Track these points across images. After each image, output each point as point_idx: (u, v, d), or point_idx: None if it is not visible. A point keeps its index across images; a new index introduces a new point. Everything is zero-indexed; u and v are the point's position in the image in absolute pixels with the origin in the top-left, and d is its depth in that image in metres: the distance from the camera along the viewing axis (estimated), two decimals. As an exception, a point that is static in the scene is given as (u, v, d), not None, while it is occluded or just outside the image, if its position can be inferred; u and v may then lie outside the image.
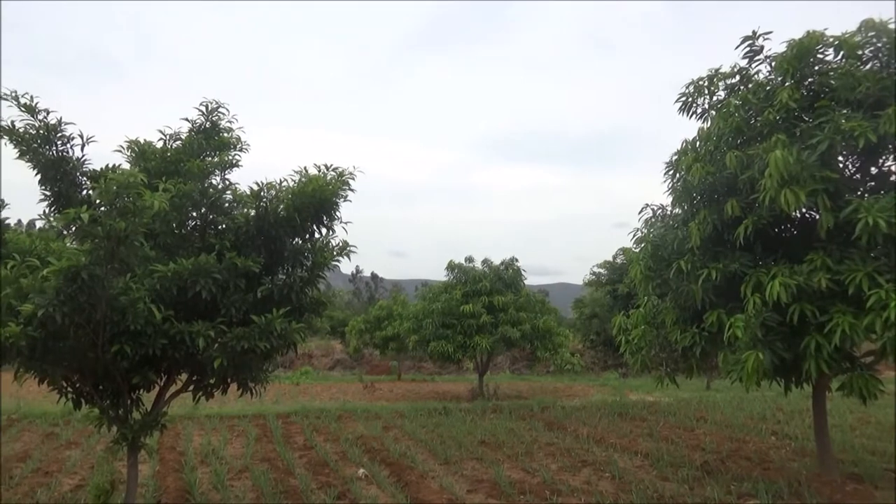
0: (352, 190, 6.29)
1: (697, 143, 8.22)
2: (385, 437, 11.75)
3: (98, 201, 5.03)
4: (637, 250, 8.90)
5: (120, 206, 4.85)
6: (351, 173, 6.27)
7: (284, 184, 6.17)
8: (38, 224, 6.30)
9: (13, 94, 5.65)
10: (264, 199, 6.06)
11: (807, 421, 12.93)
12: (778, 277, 6.43)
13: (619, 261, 28.99)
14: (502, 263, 19.72)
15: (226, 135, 6.71)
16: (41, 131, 5.78)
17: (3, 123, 5.66)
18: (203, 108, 6.66)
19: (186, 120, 6.68)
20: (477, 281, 18.83)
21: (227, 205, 6.21)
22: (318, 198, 6.02)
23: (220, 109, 6.69)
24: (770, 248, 7.37)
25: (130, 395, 6.10)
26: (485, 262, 19.85)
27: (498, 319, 18.21)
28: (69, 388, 6.03)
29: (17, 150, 5.79)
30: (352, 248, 6.36)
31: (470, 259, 19.87)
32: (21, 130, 5.72)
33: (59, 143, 5.90)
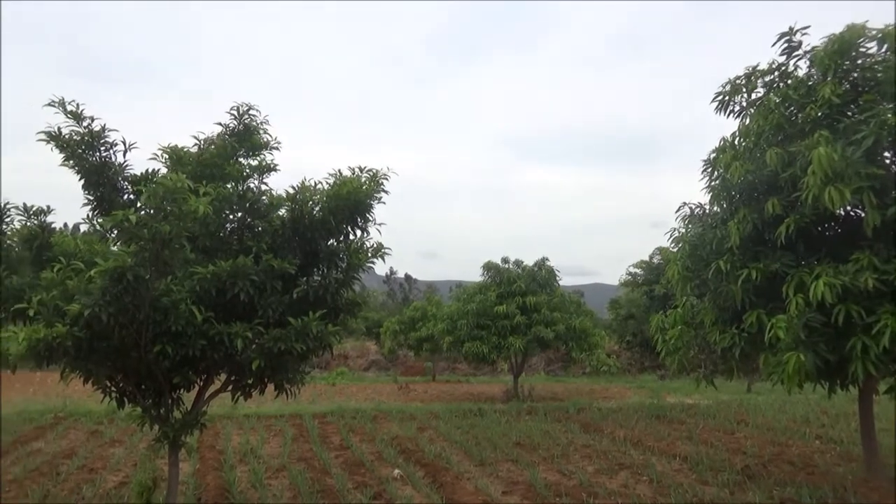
0: (385, 191, 6.32)
1: (736, 141, 8.06)
2: (420, 437, 11.78)
3: (141, 204, 5.15)
4: (674, 250, 8.76)
5: (165, 209, 4.96)
6: (385, 175, 6.30)
7: (319, 186, 6.23)
8: (82, 228, 6.46)
9: (60, 101, 5.82)
10: (299, 202, 6.13)
11: (852, 424, 12.56)
12: (822, 277, 6.26)
13: (655, 261, 28.57)
14: (535, 264, 19.63)
15: (256, 136, 6.75)
16: (86, 138, 5.95)
17: (51, 130, 5.84)
18: (234, 112, 6.71)
19: (219, 124, 6.74)
20: (512, 282, 18.76)
21: (263, 208, 6.29)
22: (352, 200, 6.06)
23: (251, 111, 6.73)
24: (813, 248, 7.17)
25: (171, 395, 6.23)
26: (516, 262, 19.80)
27: (531, 320, 18.13)
28: (113, 388, 6.17)
29: (61, 156, 5.95)
30: (386, 251, 6.40)
31: (506, 260, 19.84)
32: (66, 137, 5.90)
33: (102, 149, 6.06)
